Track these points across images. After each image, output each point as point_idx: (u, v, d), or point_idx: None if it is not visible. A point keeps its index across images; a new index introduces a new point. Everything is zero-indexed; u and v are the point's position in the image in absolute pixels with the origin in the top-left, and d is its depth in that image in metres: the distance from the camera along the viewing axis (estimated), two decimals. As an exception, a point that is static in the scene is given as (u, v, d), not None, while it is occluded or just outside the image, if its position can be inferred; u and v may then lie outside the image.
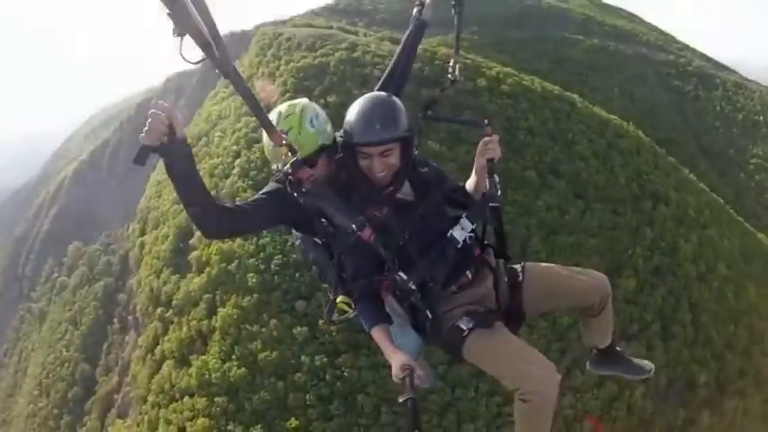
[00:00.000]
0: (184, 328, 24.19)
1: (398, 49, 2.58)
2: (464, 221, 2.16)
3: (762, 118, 73.10)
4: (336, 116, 2.01)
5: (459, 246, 2.11)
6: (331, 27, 47.36)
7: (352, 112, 2.05)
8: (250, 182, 28.55)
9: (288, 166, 1.91)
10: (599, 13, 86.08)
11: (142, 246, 33.08)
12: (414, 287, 2.01)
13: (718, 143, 70.48)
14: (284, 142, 1.89)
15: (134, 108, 66.49)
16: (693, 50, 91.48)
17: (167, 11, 1.30)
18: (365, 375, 21.04)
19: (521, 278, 2.23)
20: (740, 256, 35.92)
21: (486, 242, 2.32)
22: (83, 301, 53.27)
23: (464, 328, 2.05)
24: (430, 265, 2.06)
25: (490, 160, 2.26)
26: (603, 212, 34.24)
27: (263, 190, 2.14)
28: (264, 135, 1.99)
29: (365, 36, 44.29)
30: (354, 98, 2.13)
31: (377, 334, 2.07)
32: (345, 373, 20.80)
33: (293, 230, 2.32)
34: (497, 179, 2.26)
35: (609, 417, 25.06)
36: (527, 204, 31.04)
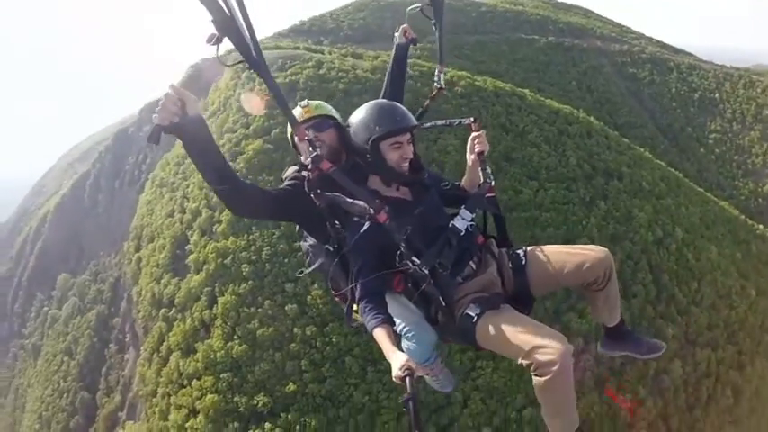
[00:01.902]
0: (188, 321, 28.40)
1: (389, 70, 2.93)
2: (463, 212, 2.38)
3: (717, 95, 79.08)
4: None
5: (462, 234, 2.31)
6: (298, 47, 52.55)
7: (368, 114, 2.30)
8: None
9: (309, 158, 2.13)
10: (554, 13, 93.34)
11: (139, 260, 37.18)
12: (427, 271, 2.14)
13: (677, 123, 75.70)
14: (306, 138, 2.10)
15: (111, 138, 70.46)
16: (649, 38, 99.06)
17: (212, 18, 1.57)
18: (351, 340, 25.56)
19: (524, 262, 2.40)
20: (700, 222, 38.70)
21: (487, 232, 2.54)
22: (76, 330, 55.96)
23: (473, 314, 2.18)
24: (437, 252, 2.22)
25: (480, 153, 2.55)
26: (557, 190, 38.31)
27: (287, 183, 2.40)
28: (289, 128, 2.31)
29: (330, 54, 49.57)
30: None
31: (379, 334, 2.11)
32: (333, 340, 25.34)
33: (304, 236, 2.61)
34: (489, 170, 2.53)
35: (576, 367, 29.67)
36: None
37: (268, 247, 28.88)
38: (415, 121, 2.32)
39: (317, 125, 2.44)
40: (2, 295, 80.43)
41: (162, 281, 32.83)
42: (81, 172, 74.89)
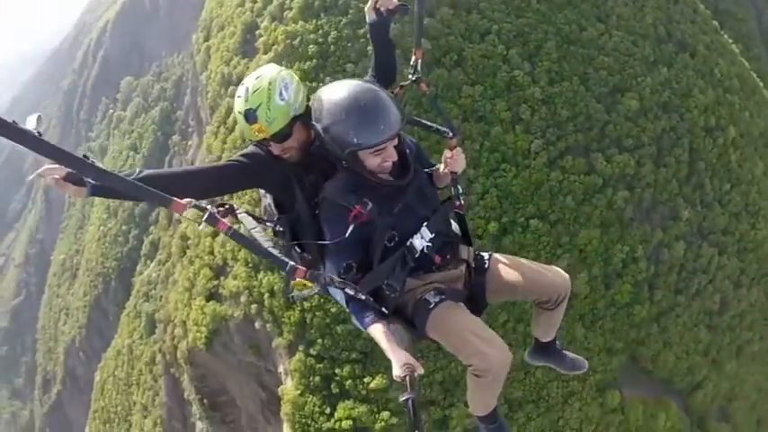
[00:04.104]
0: (256, 93, 32.01)
1: (372, 47, 2.53)
2: (424, 230, 2.31)
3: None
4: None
5: (417, 255, 2.28)
6: None
7: (345, 119, 2.01)
8: None
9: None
10: None
11: (208, 48, 40.93)
12: (363, 297, 2.15)
13: (781, 32, 67.87)
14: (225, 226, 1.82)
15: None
16: None
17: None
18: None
19: (486, 266, 2.47)
20: (760, 136, 36.37)
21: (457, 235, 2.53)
22: (141, 127, 62.69)
23: (431, 301, 2.24)
24: (386, 272, 2.20)
25: (453, 173, 2.43)
26: (622, 40, 35.28)
27: (242, 154, 2.28)
28: (241, 119, 2.15)
29: None
30: None
31: (376, 332, 2.16)
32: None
33: (263, 194, 2.46)
34: (461, 189, 2.49)
35: (589, 205, 27.70)
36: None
37: (335, 32, 31.75)
38: (400, 126, 2.06)
39: (280, 138, 2.18)
40: (68, 105, 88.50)
41: (232, 62, 36.60)
42: (139, -19, 76.19)
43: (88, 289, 61.40)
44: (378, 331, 2.17)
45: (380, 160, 2.14)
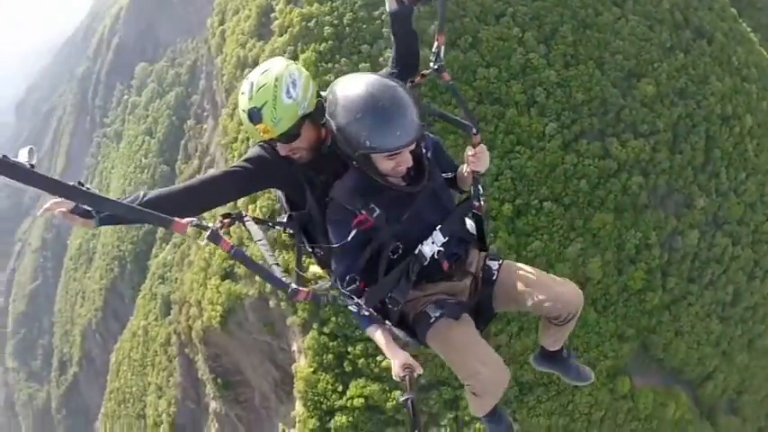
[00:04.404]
0: (271, 75, 32.27)
1: (394, 39, 2.37)
2: (437, 235, 2.23)
3: None
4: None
5: (426, 263, 2.21)
6: None
7: (359, 119, 1.89)
8: None
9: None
10: None
11: (223, 32, 41.33)
12: (367, 312, 2.11)
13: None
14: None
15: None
16: None
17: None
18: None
19: (495, 277, 2.37)
20: None
21: (472, 235, 2.47)
22: (156, 112, 63.23)
23: (432, 315, 2.22)
24: (390, 285, 2.16)
25: (475, 172, 2.31)
26: (639, 25, 34.08)
27: (244, 160, 2.18)
28: (245, 118, 2.01)
29: None
30: None
31: (375, 333, 2.17)
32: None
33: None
34: (481, 189, 2.36)
35: (604, 189, 28.35)
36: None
37: (350, 13, 31.89)
38: (417, 133, 1.93)
39: (287, 139, 2.06)
40: (83, 92, 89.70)
41: (247, 45, 36.91)
42: (153, -32, 76.55)
43: (104, 272, 62.70)
44: (378, 332, 2.18)
45: (394, 164, 2.03)
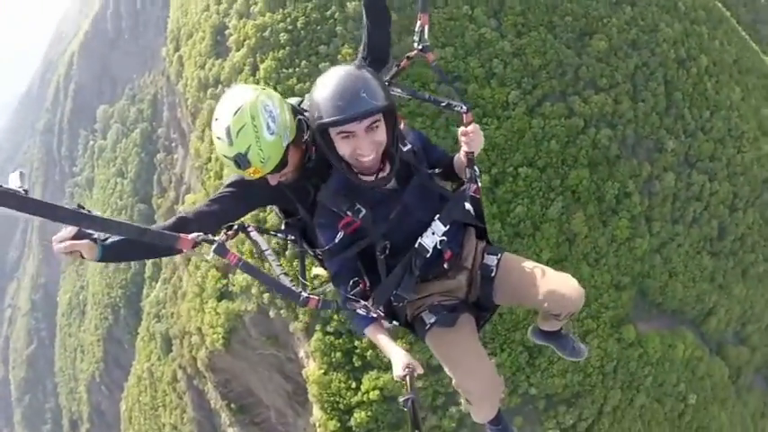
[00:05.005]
0: (234, 91, 32.50)
1: (364, 20, 2.30)
2: (436, 224, 2.17)
3: None
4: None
5: (428, 255, 2.16)
6: None
7: (321, 90, 1.89)
8: None
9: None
10: None
11: (180, 58, 41.40)
12: (375, 315, 2.12)
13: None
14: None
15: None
16: None
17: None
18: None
19: (493, 273, 2.33)
20: (733, 64, 36.66)
21: (469, 223, 2.38)
22: (124, 152, 62.36)
23: (427, 322, 2.23)
24: (394, 282, 2.13)
25: (470, 153, 2.24)
26: None
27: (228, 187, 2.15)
28: (231, 165, 1.93)
29: None
30: None
31: (373, 334, 2.16)
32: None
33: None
34: (477, 171, 2.27)
35: (574, 146, 28.56)
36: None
37: (303, 17, 32.27)
38: (363, 108, 1.84)
39: (277, 170, 2.03)
40: (48, 145, 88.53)
41: (206, 66, 37.03)
42: (96, 8, 76.40)
43: (99, 322, 61.87)
44: (375, 333, 2.19)
45: (350, 149, 1.94)
